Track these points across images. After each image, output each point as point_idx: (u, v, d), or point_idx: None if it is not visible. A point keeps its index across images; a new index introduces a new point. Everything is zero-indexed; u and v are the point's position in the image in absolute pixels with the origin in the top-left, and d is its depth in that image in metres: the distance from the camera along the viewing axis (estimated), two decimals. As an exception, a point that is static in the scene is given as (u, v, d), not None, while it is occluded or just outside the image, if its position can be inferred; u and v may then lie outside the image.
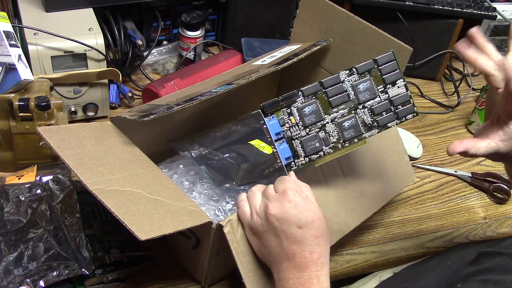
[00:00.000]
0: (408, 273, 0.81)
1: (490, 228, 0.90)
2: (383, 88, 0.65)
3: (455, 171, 0.98)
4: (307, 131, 0.64)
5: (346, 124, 0.64)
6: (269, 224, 0.58)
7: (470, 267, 0.65)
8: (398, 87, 0.65)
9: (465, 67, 1.25)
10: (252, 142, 0.77)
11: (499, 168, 1.00)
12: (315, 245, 0.58)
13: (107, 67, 0.88)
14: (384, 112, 0.65)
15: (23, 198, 0.66)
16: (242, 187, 0.76)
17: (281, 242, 0.58)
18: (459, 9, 1.15)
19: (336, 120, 0.65)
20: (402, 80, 0.65)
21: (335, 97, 0.64)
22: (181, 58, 1.09)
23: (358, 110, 0.65)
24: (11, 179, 0.70)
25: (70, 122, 0.88)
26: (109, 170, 0.61)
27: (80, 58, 0.85)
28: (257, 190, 0.63)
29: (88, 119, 0.92)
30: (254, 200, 0.62)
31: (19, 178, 0.69)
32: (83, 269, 0.63)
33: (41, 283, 0.61)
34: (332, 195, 0.71)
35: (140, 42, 0.96)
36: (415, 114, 0.66)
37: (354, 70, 0.65)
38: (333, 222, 0.70)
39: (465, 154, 0.62)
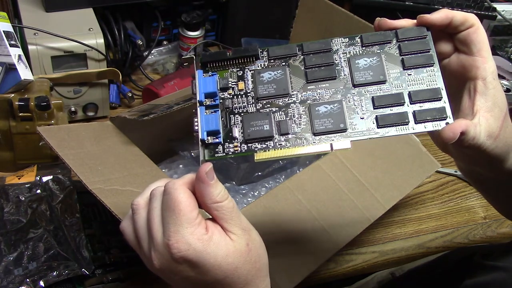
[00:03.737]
0: (406, 278, 0.81)
1: (490, 228, 0.89)
2: (398, 74, 0.44)
3: (455, 171, 0.98)
4: (257, 107, 0.43)
5: (322, 109, 0.43)
6: (161, 275, 0.43)
7: (468, 280, 0.65)
8: (428, 74, 0.44)
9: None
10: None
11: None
12: None
13: (107, 67, 0.88)
14: (395, 107, 0.43)
15: (23, 198, 0.66)
16: (242, 187, 0.77)
17: None
18: (459, 9, 1.15)
19: (308, 101, 0.43)
20: (433, 68, 0.44)
21: (316, 68, 0.44)
22: (181, 58, 1.09)
23: (349, 94, 0.44)
24: (11, 179, 0.70)
25: (70, 122, 0.88)
26: (109, 169, 0.61)
27: (80, 58, 0.85)
28: (141, 212, 0.42)
29: (88, 119, 0.92)
30: (139, 234, 0.42)
31: (19, 178, 0.69)
32: (83, 269, 0.63)
33: (41, 283, 0.61)
34: (344, 188, 0.70)
35: (140, 42, 0.96)
36: (446, 122, 0.43)
37: (358, 40, 0.45)
38: (350, 214, 0.69)
39: (463, 141, 0.43)
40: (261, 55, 0.44)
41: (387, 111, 0.43)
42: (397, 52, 0.45)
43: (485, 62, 0.44)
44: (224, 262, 0.40)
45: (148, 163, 0.66)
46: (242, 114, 0.43)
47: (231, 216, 0.42)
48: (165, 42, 1.11)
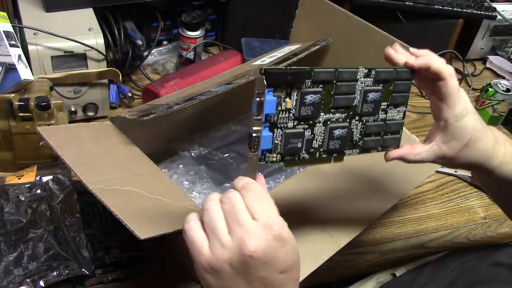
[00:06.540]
0: (407, 278, 0.81)
1: (490, 228, 0.90)
2: (385, 107, 0.55)
3: (455, 171, 0.98)
4: (295, 124, 0.48)
5: (336, 132, 0.51)
6: (244, 265, 0.42)
7: (469, 278, 0.65)
8: (398, 111, 0.56)
9: (465, 67, 1.25)
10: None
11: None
12: None
13: (107, 67, 0.88)
14: (373, 135, 0.55)
15: (23, 198, 0.66)
16: (242, 187, 0.76)
17: None
18: (459, 9, 1.15)
19: (329, 123, 0.51)
20: (405, 106, 0.56)
21: (342, 96, 0.51)
22: (181, 58, 1.09)
23: (353, 121, 0.53)
24: (11, 179, 0.70)
25: (70, 122, 0.88)
26: (109, 169, 0.61)
27: (80, 58, 0.85)
28: (217, 207, 0.44)
29: (88, 119, 0.92)
30: (216, 225, 0.43)
31: (19, 178, 0.69)
32: (83, 269, 0.63)
33: (41, 283, 0.61)
34: (344, 188, 0.70)
35: (140, 42, 0.96)
36: (389, 149, 0.57)
37: (373, 73, 0.52)
38: (350, 214, 0.69)
39: (403, 160, 0.56)
40: (311, 75, 0.48)
41: (371, 136, 0.55)
42: (391, 89, 0.54)
43: (449, 109, 0.53)
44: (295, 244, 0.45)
45: (148, 163, 0.66)
46: (283, 129, 0.47)
47: None
48: (165, 42, 1.12)
